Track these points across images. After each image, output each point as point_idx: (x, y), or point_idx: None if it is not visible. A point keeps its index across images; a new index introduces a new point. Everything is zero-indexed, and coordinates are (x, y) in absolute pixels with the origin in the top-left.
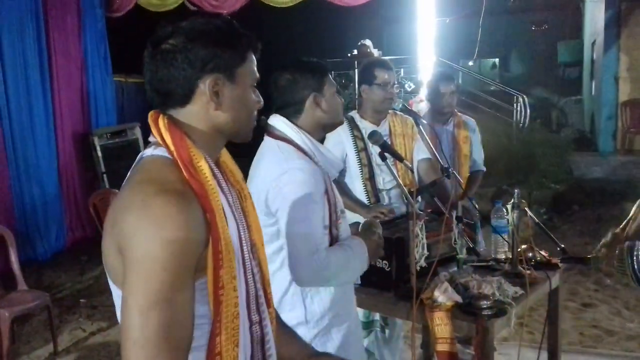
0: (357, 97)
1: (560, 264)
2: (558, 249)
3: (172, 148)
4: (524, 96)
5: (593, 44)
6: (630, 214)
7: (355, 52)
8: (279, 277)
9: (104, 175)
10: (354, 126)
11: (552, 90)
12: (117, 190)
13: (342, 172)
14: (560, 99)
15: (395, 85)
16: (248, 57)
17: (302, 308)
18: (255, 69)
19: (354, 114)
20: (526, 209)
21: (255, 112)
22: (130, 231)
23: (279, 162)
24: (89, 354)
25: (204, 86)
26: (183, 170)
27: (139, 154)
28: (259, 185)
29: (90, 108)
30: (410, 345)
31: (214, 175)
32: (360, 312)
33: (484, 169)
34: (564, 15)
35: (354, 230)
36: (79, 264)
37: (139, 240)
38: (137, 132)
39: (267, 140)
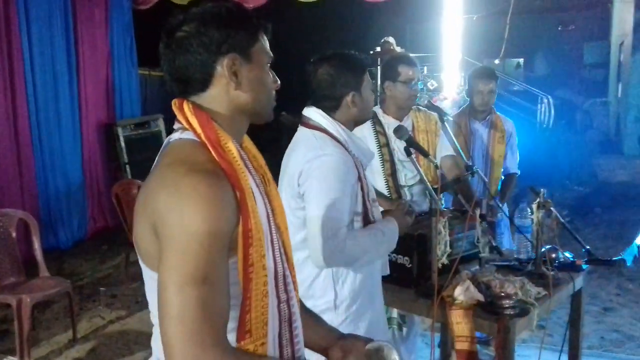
0: (379, 93)
1: (584, 266)
2: (583, 250)
3: (199, 130)
4: (549, 97)
5: (621, 45)
6: None
7: (378, 49)
8: (311, 263)
9: (127, 166)
10: (376, 121)
11: (577, 92)
12: (139, 181)
13: None
14: (586, 100)
15: (419, 82)
16: (260, 36)
17: (332, 293)
18: (269, 48)
19: (376, 109)
20: (552, 208)
21: (274, 92)
22: (164, 211)
23: (313, 148)
24: (107, 342)
25: (222, 68)
26: (212, 150)
27: (162, 145)
28: (292, 169)
29: (115, 99)
30: (427, 343)
31: (241, 156)
32: None
33: (518, 172)
34: (591, 16)
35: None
36: (100, 253)
37: (173, 219)
38: (160, 124)
39: (302, 130)
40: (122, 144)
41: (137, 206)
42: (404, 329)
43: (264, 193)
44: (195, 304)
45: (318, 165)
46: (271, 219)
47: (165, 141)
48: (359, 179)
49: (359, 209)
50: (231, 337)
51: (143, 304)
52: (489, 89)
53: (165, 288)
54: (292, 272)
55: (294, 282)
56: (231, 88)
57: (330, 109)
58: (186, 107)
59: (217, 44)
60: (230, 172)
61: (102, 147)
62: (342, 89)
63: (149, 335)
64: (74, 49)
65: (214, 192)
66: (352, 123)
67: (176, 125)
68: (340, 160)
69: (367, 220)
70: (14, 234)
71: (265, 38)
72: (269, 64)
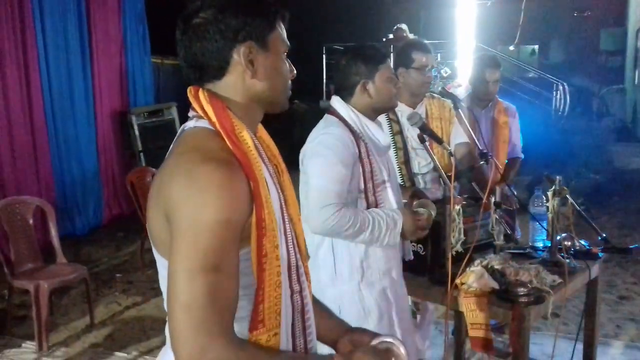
0: None
1: (600, 254)
2: (599, 238)
3: (214, 119)
4: (564, 84)
5: (638, 31)
6: None
7: (391, 36)
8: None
9: (141, 154)
10: None
11: (593, 79)
12: (153, 169)
13: None
14: (602, 87)
15: (433, 69)
16: (277, 24)
17: (332, 265)
18: (285, 37)
19: None
20: (568, 196)
21: (290, 82)
22: (177, 199)
23: (318, 129)
24: (123, 327)
25: (238, 56)
26: (226, 139)
27: (175, 133)
28: (302, 150)
29: (129, 87)
30: (441, 331)
31: (255, 146)
32: None
33: (522, 156)
34: (607, 2)
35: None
36: (116, 240)
37: (186, 207)
38: (174, 112)
39: (324, 117)
40: (136, 132)
41: (151, 193)
42: (418, 317)
43: (277, 183)
44: (204, 293)
45: (318, 142)
46: (284, 209)
47: (180, 129)
48: (360, 158)
49: (361, 186)
50: (243, 327)
51: (159, 291)
52: (495, 78)
53: (175, 276)
54: (305, 263)
55: (307, 274)
56: (247, 76)
57: (346, 96)
58: (201, 95)
59: (234, 31)
60: (244, 162)
61: (116, 135)
62: (354, 77)
63: (164, 321)
64: (87, 37)
65: (228, 181)
66: (371, 111)
67: (191, 113)
68: (338, 138)
69: (367, 200)
70: (31, 221)
71: (283, 26)
72: (285, 53)
